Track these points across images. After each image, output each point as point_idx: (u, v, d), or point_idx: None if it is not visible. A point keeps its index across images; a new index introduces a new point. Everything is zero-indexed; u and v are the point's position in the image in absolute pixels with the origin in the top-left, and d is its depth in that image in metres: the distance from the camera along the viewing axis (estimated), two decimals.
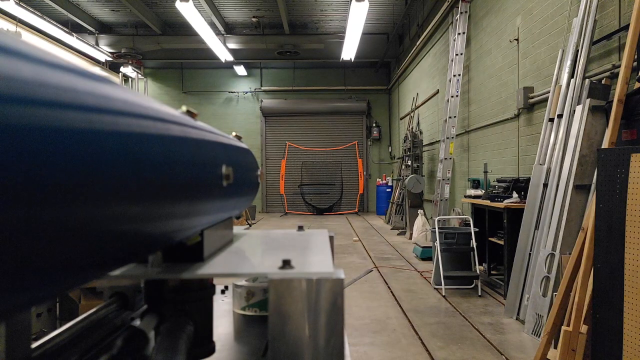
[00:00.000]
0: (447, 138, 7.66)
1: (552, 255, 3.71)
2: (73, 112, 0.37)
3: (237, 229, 1.19)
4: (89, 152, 0.38)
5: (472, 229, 5.22)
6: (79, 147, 0.36)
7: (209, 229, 0.83)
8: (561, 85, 4.17)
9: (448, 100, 7.65)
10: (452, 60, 7.65)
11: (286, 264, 0.71)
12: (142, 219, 0.51)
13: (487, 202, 5.09)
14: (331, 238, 1.10)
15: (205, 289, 0.83)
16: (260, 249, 0.97)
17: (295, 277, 0.65)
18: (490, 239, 5.22)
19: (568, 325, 2.91)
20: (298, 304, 0.64)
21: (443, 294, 4.95)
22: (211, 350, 0.85)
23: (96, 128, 0.39)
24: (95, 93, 0.42)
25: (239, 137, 1.18)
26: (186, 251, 0.78)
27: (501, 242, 4.86)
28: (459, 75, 7.53)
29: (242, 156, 1.08)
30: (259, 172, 1.27)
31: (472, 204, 5.73)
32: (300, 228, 1.23)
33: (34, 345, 0.64)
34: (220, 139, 0.90)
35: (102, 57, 12.88)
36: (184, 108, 0.77)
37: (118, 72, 13.64)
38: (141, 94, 0.61)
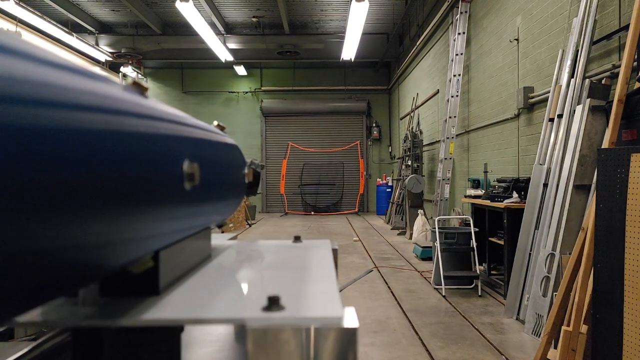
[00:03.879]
0: (447, 138, 7.65)
1: (552, 255, 3.71)
2: None
3: (220, 240, 1.03)
4: None
5: (472, 229, 5.22)
6: None
7: (167, 249, 0.62)
8: (561, 85, 4.17)
9: (448, 100, 7.65)
10: (452, 60, 7.65)
11: (273, 303, 0.52)
12: (65, 238, 0.37)
13: (487, 202, 5.09)
14: (334, 251, 0.91)
15: (168, 326, 0.59)
16: (242, 274, 0.76)
17: (286, 323, 0.47)
18: (490, 239, 5.22)
19: (568, 325, 2.91)
20: None
21: (443, 294, 4.95)
22: None
23: None
24: None
25: (221, 128, 0.98)
26: (135, 281, 0.57)
27: (501, 242, 4.85)
28: (459, 75, 7.53)
29: (220, 151, 0.84)
30: (246, 171, 1.05)
31: (472, 204, 5.73)
32: (297, 239, 1.04)
33: None
34: (184, 128, 0.67)
35: (102, 57, 12.88)
36: (129, 79, 0.61)
37: (118, 72, 13.65)
38: (51, 52, 0.42)
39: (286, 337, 0.46)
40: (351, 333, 0.47)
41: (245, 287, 0.67)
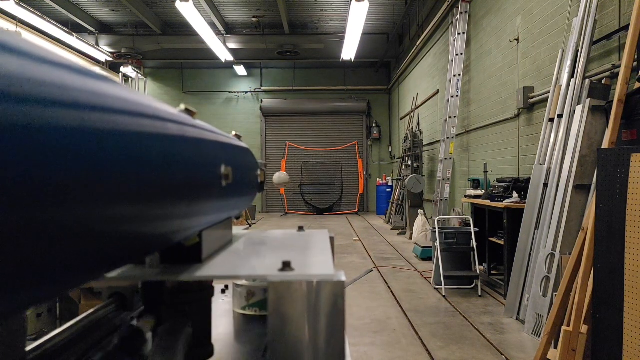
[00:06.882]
0: (447, 138, 7.65)
1: (552, 255, 3.71)
2: (68, 110, 0.36)
3: (236, 230, 1.17)
4: (86, 152, 0.37)
5: (472, 229, 5.22)
6: (75, 147, 0.36)
7: (207, 230, 0.82)
8: (561, 85, 4.17)
9: (448, 100, 7.65)
10: (452, 60, 7.65)
11: (286, 265, 0.70)
12: (140, 219, 0.50)
13: (487, 202, 5.08)
14: (331, 239, 1.09)
15: (203, 290, 0.82)
16: (260, 250, 0.96)
17: (296, 279, 0.64)
18: (490, 239, 5.21)
19: (568, 325, 2.91)
20: (298, 307, 0.63)
21: (443, 294, 4.95)
22: (210, 352, 0.84)
23: (92, 127, 0.39)
24: (92, 90, 0.41)
25: (238, 137, 1.17)
26: (184, 252, 0.77)
27: (501, 242, 4.85)
28: (459, 75, 7.53)
29: (242, 156, 1.07)
30: (259, 172, 1.25)
31: (472, 204, 5.73)
32: (301, 228, 1.22)
33: (32, 346, 0.64)
34: (220, 138, 0.89)
35: (102, 57, 12.88)
36: (182, 106, 0.76)
37: (118, 72, 13.64)
38: (139, 91, 0.60)
39: (296, 288, 0.63)
40: (340, 285, 0.64)
41: (264, 257, 0.86)
